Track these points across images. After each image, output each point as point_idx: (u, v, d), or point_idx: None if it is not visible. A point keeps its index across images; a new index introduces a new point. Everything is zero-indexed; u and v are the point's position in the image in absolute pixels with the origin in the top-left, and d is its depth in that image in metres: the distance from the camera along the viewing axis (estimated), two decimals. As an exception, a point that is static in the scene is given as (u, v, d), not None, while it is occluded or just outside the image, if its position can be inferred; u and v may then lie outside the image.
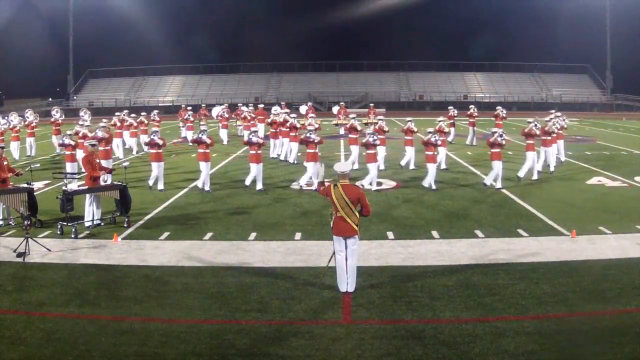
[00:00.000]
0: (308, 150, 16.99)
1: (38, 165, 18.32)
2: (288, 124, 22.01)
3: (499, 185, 16.67)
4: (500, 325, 7.63)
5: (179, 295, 8.84)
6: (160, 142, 17.04)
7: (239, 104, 34.93)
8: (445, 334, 7.39)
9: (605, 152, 24.61)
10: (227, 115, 30.62)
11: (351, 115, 24.07)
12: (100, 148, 17.58)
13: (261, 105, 30.97)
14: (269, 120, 24.58)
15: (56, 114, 27.40)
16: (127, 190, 13.42)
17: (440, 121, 20.66)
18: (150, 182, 17.27)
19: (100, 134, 17.54)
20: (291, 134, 21.88)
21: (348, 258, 8.78)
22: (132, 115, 27.50)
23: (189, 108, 33.53)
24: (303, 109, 34.05)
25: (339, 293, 8.79)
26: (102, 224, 13.06)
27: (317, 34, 62.71)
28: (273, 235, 12.10)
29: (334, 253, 8.90)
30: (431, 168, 16.72)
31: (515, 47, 60.46)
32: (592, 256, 10.51)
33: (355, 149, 20.52)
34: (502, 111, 27.75)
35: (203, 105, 36.15)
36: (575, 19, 57.63)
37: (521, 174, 17.81)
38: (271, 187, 17.47)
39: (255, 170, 16.88)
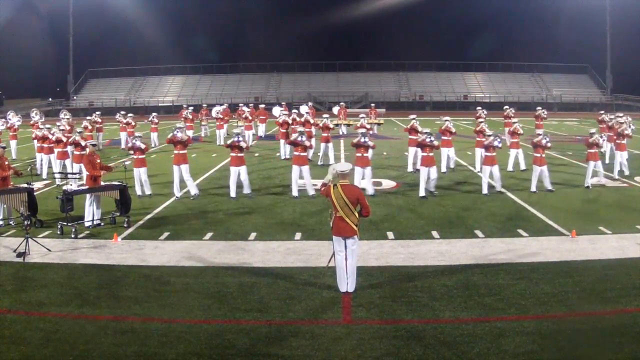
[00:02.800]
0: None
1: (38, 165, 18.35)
2: (321, 124, 21.88)
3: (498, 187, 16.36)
4: (500, 325, 7.63)
5: (179, 295, 8.83)
6: (143, 146, 16.19)
7: (240, 104, 34.95)
8: (445, 334, 7.38)
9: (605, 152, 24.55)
10: (221, 116, 30.54)
11: (324, 116, 23.70)
12: (76, 152, 17.61)
13: (262, 106, 30.92)
14: (281, 120, 24.11)
15: (35, 116, 26.41)
16: (127, 191, 13.42)
17: (445, 120, 20.27)
18: (138, 191, 16.11)
19: (77, 138, 17.54)
20: (323, 134, 21.83)
21: (348, 258, 8.78)
22: (123, 113, 27.47)
23: (191, 108, 33.52)
24: (304, 109, 33.96)
25: (339, 293, 8.78)
26: (102, 224, 13.06)
27: (317, 34, 62.80)
28: (273, 235, 12.09)
29: (333, 253, 8.90)
30: (423, 171, 15.77)
31: (515, 47, 60.54)
32: (592, 256, 10.51)
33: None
34: (543, 112, 26.83)
35: (204, 105, 36.13)
36: (575, 19, 57.68)
37: (588, 182, 17.13)
38: (271, 187, 17.47)
39: (234, 173, 15.81)
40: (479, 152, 19.08)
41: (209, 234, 12.21)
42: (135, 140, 16.14)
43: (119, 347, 7.10)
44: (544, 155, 16.36)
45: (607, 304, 8.29)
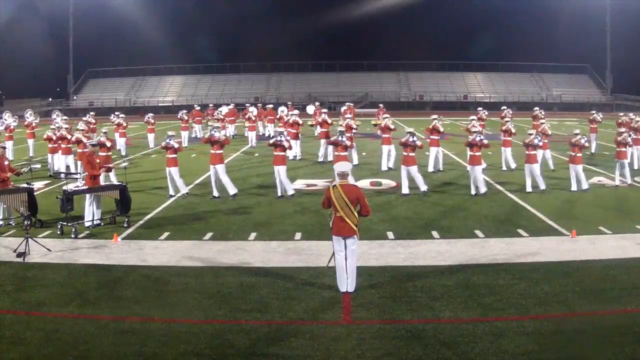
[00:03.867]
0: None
1: (38, 165, 18.36)
2: (344, 124, 21.86)
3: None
4: (500, 325, 7.62)
5: (179, 295, 8.84)
6: (176, 145, 16.09)
7: (246, 104, 34.84)
8: (445, 334, 7.38)
9: (605, 152, 24.57)
10: (221, 117, 30.47)
11: (347, 116, 23.76)
12: (101, 154, 17.53)
13: (270, 106, 30.69)
14: (320, 120, 23.89)
15: (30, 116, 26.40)
16: (127, 190, 13.43)
17: (434, 119, 20.39)
18: (170, 191, 16.30)
19: (102, 139, 17.51)
20: (347, 134, 21.93)
21: (348, 258, 8.78)
22: (117, 114, 27.33)
23: (197, 107, 33.25)
24: (310, 109, 33.85)
25: (339, 293, 8.78)
26: (102, 224, 13.06)
27: (317, 34, 62.80)
28: (273, 235, 12.09)
29: (333, 253, 8.90)
30: (403, 171, 16.05)
31: (515, 47, 60.46)
32: (592, 256, 10.51)
33: (385, 148, 20.51)
34: (540, 112, 26.24)
35: (211, 105, 35.94)
36: (575, 19, 57.66)
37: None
38: (271, 187, 17.44)
39: (213, 172, 15.84)
40: (508, 152, 20.12)
41: (209, 234, 12.21)
42: (169, 139, 16.07)
43: (119, 347, 7.10)
44: (535, 153, 16.40)
45: (607, 304, 8.29)
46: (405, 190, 16.08)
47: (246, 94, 61.43)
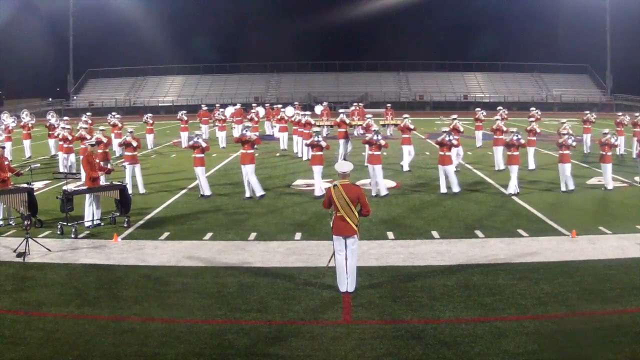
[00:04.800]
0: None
1: (38, 165, 18.32)
2: (364, 124, 21.85)
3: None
4: (500, 325, 7.63)
5: (179, 295, 8.83)
6: (204, 144, 16.08)
7: (253, 104, 34.68)
8: (445, 334, 7.38)
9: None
10: (223, 118, 30.41)
11: (367, 116, 23.76)
12: (127, 153, 17.52)
13: (279, 106, 30.54)
14: (337, 120, 23.79)
15: (26, 117, 26.15)
16: (127, 191, 13.43)
17: (404, 118, 20.54)
18: (206, 191, 16.28)
19: (129, 138, 17.54)
20: (340, 129, 22.55)
21: (348, 258, 8.78)
22: (113, 114, 27.29)
23: (204, 107, 33.01)
24: (318, 109, 33.73)
25: (339, 293, 8.78)
26: (102, 224, 13.06)
27: (317, 34, 62.79)
28: (273, 235, 12.09)
29: (333, 253, 8.90)
30: (440, 170, 16.21)
31: (515, 47, 60.48)
32: (592, 256, 10.50)
33: (405, 149, 20.60)
34: (537, 112, 26.09)
35: (217, 105, 35.78)
36: (575, 19, 57.63)
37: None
38: (271, 187, 17.46)
39: (244, 172, 15.81)
40: (531, 152, 20.26)
41: (209, 234, 12.21)
42: (197, 138, 16.01)
43: (119, 347, 7.10)
44: (568, 153, 16.32)
45: (607, 304, 8.29)
46: (443, 189, 16.09)
47: (246, 94, 61.46)
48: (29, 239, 10.72)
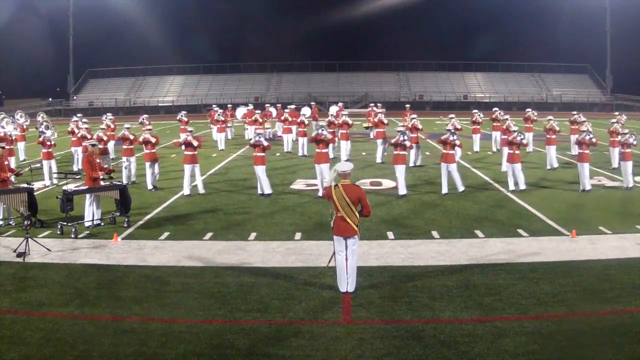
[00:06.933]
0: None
1: (38, 165, 18.34)
2: (409, 125, 21.78)
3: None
4: (500, 325, 7.63)
5: (179, 295, 8.84)
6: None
7: (266, 105, 34.49)
8: (445, 334, 7.38)
9: (605, 152, 24.54)
10: (223, 119, 30.28)
11: (412, 116, 23.68)
12: (147, 151, 17.55)
13: (292, 106, 30.34)
14: (376, 120, 23.74)
15: (20, 118, 25.59)
16: (127, 191, 13.42)
17: (451, 117, 20.52)
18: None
19: (146, 137, 17.62)
20: (378, 129, 23.02)
21: (348, 258, 8.78)
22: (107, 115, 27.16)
23: (215, 107, 32.83)
24: (333, 109, 33.48)
25: (339, 293, 8.78)
26: (102, 224, 13.06)
27: (317, 34, 62.82)
28: (273, 235, 12.09)
29: (334, 253, 8.90)
30: (443, 168, 16.28)
31: (515, 47, 60.49)
32: (592, 256, 10.50)
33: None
34: (533, 113, 25.72)
35: (229, 106, 35.54)
36: (575, 19, 57.66)
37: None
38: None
39: (319, 171, 15.80)
40: (552, 150, 20.45)
41: (209, 234, 12.21)
42: (260, 137, 16.12)
43: (119, 347, 7.10)
44: (588, 152, 16.48)
45: (607, 304, 8.29)
46: (445, 189, 16.09)
47: (246, 94, 61.45)
48: (29, 239, 10.72)
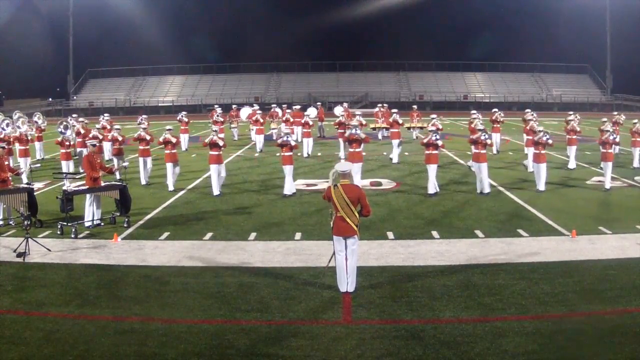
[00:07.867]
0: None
1: (38, 165, 18.33)
2: (431, 124, 21.81)
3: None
4: (500, 325, 7.62)
5: (179, 295, 8.83)
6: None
7: (273, 105, 34.40)
8: (445, 334, 7.38)
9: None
10: (222, 119, 30.23)
11: (432, 116, 23.82)
12: (171, 151, 17.53)
13: (297, 107, 30.30)
14: (392, 120, 23.88)
15: (38, 120, 25.46)
16: (127, 190, 13.42)
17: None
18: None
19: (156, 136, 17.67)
20: (393, 130, 23.20)
21: (348, 258, 8.78)
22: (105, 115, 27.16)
23: (218, 107, 32.80)
24: (338, 110, 33.46)
25: (339, 293, 8.78)
26: (102, 224, 13.06)
27: (317, 34, 62.84)
28: (273, 235, 12.09)
29: (334, 253, 8.90)
30: (475, 167, 16.31)
31: (515, 47, 60.54)
32: (592, 256, 10.50)
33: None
34: (575, 117, 25.83)
35: (234, 106, 35.46)
36: (575, 19, 57.68)
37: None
38: (271, 187, 17.47)
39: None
40: (573, 150, 20.63)
41: (209, 234, 12.21)
42: (287, 137, 16.07)
43: (119, 347, 7.10)
44: (611, 152, 16.61)
45: (607, 304, 8.28)
46: (481, 187, 16.18)
47: (246, 94, 61.49)
48: (29, 239, 10.72)
